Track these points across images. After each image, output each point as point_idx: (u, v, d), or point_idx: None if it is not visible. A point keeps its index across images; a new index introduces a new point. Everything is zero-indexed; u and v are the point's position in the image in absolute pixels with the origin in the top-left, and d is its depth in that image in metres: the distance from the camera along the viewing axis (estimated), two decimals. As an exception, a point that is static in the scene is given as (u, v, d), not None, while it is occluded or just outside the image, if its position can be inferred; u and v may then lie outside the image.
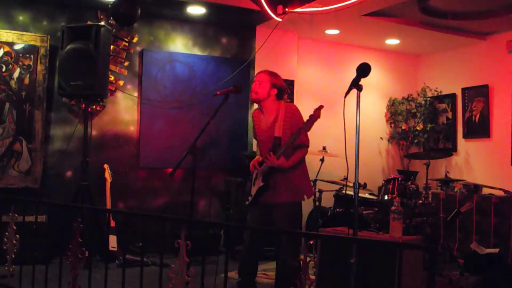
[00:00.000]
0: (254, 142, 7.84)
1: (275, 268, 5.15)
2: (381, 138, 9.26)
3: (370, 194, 7.28)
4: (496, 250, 6.31)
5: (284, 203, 4.93)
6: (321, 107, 4.76)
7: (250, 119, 7.96)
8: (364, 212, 6.58)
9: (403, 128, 9.13)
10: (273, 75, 5.11)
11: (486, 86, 8.34)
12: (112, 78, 7.16)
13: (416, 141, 9.05)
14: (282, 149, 4.82)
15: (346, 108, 3.94)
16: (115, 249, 6.52)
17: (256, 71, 7.92)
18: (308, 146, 5.04)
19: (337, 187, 7.21)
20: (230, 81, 7.39)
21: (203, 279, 3.61)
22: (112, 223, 6.54)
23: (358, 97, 3.94)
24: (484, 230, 7.00)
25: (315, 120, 4.75)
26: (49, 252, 5.29)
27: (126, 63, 7.35)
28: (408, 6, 7.03)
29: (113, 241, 6.53)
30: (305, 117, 4.82)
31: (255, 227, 5.14)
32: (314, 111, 4.74)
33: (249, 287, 5.12)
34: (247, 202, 5.09)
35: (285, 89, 5.16)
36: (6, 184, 6.64)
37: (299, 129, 4.80)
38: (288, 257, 4.79)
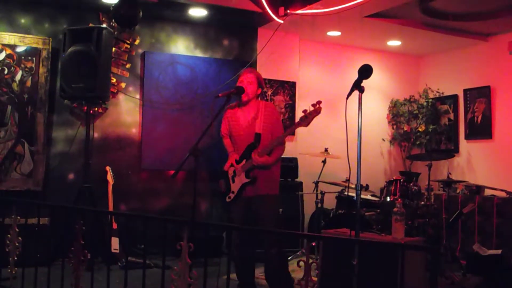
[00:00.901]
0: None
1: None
2: (383, 140, 9.26)
3: (372, 195, 7.28)
4: (499, 251, 6.31)
5: (264, 195, 5.07)
6: (319, 102, 4.78)
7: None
8: (366, 213, 6.58)
9: (405, 129, 9.12)
10: (258, 74, 5.27)
11: (488, 87, 8.33)
12: (114, 80, 7.16)
13: (418, 142, 9.05)
14: (269, 146, 4.95)
15: (348, 109, 3.94)
16: (117, 251, 6.52)
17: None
18: (283, 145, 5.17)
19: (339, 188, 7.20)
20: (232, 83, 7.38)
21: (205, 281, 3.60)
22: (114, 225, 6.54)
23: (360, 98, 3.95)
24: (487, 231, 7.00)
25: (315, 115, 4.79)
26: (51, 254, 5.31)
27: (128, 65, 7.36)
28: (410, 7, 7.04)
29: (115, 243, 6.53)
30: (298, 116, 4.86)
31: (251, 228, 5.22)
32: (313, 107, 4.77)
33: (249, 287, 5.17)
34: (228, 199, 5.18)
35: (264, 87, 5.45)
36: (9, 187, 6.64)
37: (297, 123, 4.95)
38: (270, 249, 5.02)
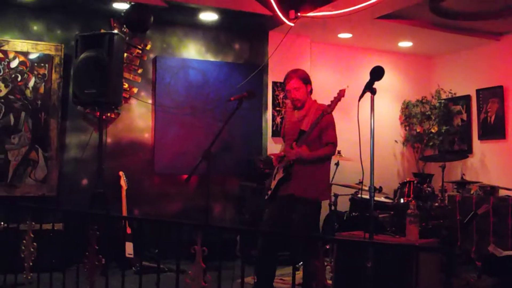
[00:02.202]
0: (269, 146, 7.86)
1: (291, 273, 5.11)
2: (396, 141, 9.23)
3: (385, 197, 7.25)
4: (514, 252, 6.25)
5: (301, 198, 4.87)
6: (344, 89, 4.78)
7: (264, 124, 7.97)
8: (380, 215, 6.55)
9: (418, 130, 9.09)
10: (301, 73, 5.13)
11: (500, 87, 8.28)
12: (126, 85, 7.19)
13: (431, 143, 9.01)
14: (305, 136, 4.82)
15: (360, 111, 3.94)
16: (132, 256, 6.53)
17: (269, 76, 7.95)
18: (335, 145, 5.03)
19: (352, 191, 7.18)
20: (243, 87, 7.39)
21: (219, 285, 3.60)
22: (128, 230, 6.56)
23: (372, 100, 3.94)
24: (502, 232, 6.94)
25: (339, 99, 4.81)
26: (66, 259, 5.32)
27: (139, 70, 7.39)
28: (421, 8, 7.01)
29: (129, 248, 6.55)
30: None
31: (272, 231, 5.13)
32: (338, 93, 4.81)
33: None
34: (266, 197, 5.08)
35: (311, 81, 5.22)
36: (23, 193, 6.69)
37: (322, 111, 4.83)
38: (309, 258, 4.80)
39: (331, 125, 5.05)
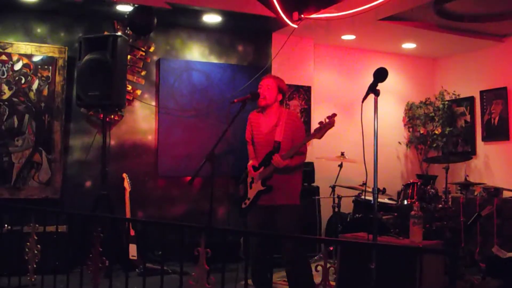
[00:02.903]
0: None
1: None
2: (400, 143, 9.22)
3: (389, 199, 7.24)
4: (518, 253, 6.24)
5: (282, 206, 4.94)
6: (334, 115, 4.75)
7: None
8: (383, 217, 6.55)
9: (422, 132, 9.09)
10: (279, 80, 5.17)
11: (504, 88, 8.28)
12: (129, 87, 7.20)
13: (434, 145, 9.01)
14: (290, 152, 4.84)
15: (364, 113, 3.93)
16: (135, 258, 6.54)
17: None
18: (305, 154, 5.09)
19: (356, 192, 7.18)
20: (247, 89, 7.38)
21: (223, 286, 3.61)
22: (132, 232, 6.57)
23: (376, 102, 3.93)
24: (506, 233, 6.93)
25: (329, 128, 4.75)
26: (70, 261, 5.33)
27: (143, 73, 7.40)
28: (424, 9, 7.01)
29: (133, 250, 6.55)
30: (316, 123, 4.84)
31: (268, 232, 5.14)
32: (329, 119, 4.74)
33: None
34: (244, 206, 5.10)
35: (286, 94, 5.28)
36: (27, 195, 6.70)
37: (312, 134, 4.86)
38: (295, 258, 4.89)
39: (302, 129, 5.18)
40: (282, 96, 5.14)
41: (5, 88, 6.68)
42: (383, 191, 6.72)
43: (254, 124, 5.19)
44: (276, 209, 4.96)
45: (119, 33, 6.89)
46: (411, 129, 9.27)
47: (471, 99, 8.84)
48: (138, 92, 7.36)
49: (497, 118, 8.41)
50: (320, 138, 4.83)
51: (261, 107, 5.11)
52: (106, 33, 6.98)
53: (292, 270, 4.97)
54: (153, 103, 7.48)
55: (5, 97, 6.68)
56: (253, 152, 5.21)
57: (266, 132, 5.06)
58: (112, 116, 7.16)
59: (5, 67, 6.68)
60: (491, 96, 8.50)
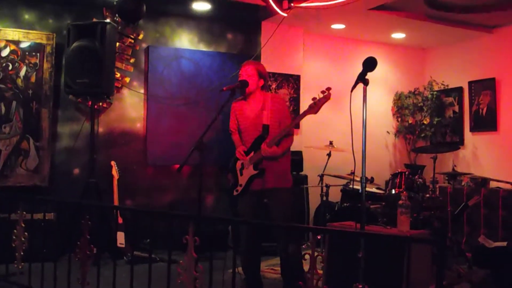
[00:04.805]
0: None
1: (279, 263, 5.14)
2: (388, 132, 9.25)
3: (377, 188, 7.27)
4: (504, 243, 6.28)
5: (273, 189, 4.94)
6: (329, 88, 4.76)
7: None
8: (371, 206, 6.57)
9: (410, 122, 9.12)
10: (258, 64, 5.18)
11: (493, 79, 8.31)
12: (118, 75, 7.17)
13: (423, 135, 9.05)
14: (278, 136, 4.83)
15: (353, 102, 3.93)
16: (123, 246, 6.54)
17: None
18: (292, 136, 5.08)
19: (344, 181, 7.20)
20: (236, 77, 7.36)
21: (211, 274, 3.61)
22: (120, 220, 6.56)
23: (365, 91, 3.94)
24: (492, 223, 6.99)
25: (325, 101, 4.74)
26: (57, 249, 5.33)
27: (132, 60, 7.36)
28: (414, -1, 7.02)
29: (121, 237, 6.55)
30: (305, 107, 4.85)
31: (258, 222, 5.15)
32: (323, 94, 4.74)
33: (254, 283, 5.12)
34: (236, 193, 5.08)
35: (267, 78, 5.27)
36: (14, 183, 6.66)
37: (306, 111, 4.82)
38: (288, 245, 4.89)
39: (287, 110, 5.21)
40: (264, 80, 5.12)
41: (-8, 74, 6.63)
42: (371, 181, 6.73)
43: (239, 112, 5.17)
44: (268, 193, 4.95)
45: (108, 20, 6.85)
46: (399, 119, 9.30)
47: (459, 90, 8.88)
48: (127, 79, 7.32)
49: (485, 109, 8.45)
50: (315, 113, 4.80)
51: (247, 94, 5.11)
52: (94, 20, 6.93)
53: (286, 257, 4.98)
54: (142, 91, 7.45)
55: (-8, 83, 6.63)
56: (240, 140, 5.20)
57: (253, 117, 5.05)
58: (101, 104, 7.12)
59: (-8, 53, 6.63)
60: (479, 86, 8.54)
